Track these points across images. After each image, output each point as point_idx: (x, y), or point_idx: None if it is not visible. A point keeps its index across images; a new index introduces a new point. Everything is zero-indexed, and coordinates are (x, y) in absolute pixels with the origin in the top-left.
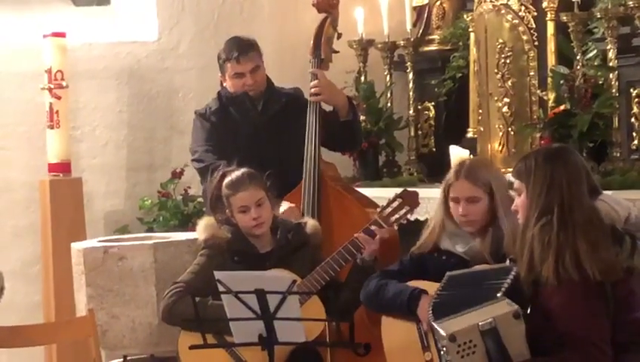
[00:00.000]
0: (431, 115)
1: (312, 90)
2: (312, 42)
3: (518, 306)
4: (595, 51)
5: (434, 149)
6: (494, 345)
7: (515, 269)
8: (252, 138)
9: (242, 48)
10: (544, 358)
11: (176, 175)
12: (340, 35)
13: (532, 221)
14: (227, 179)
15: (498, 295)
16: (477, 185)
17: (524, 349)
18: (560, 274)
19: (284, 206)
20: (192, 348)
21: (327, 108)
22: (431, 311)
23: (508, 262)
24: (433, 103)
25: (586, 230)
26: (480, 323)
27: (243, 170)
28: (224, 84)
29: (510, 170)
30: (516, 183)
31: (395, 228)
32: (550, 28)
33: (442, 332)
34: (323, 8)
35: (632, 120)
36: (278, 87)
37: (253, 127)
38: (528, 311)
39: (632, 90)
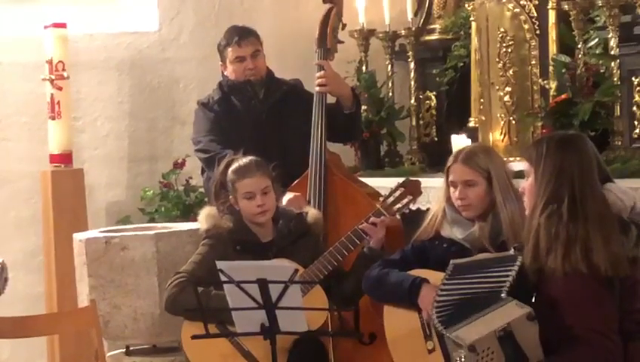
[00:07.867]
0: (432, 105)
1: (319, 81)
2: (317, 33)
3: (531, 308)
4: (596, 40)
5: (435, 139)
6: (512, 350)
7: (520, 258)
8: (255, 127)
9: (242, 33)
10: (557, 357)
11: (178, 165)
12: (344, 26)
13: (539, 208)
14: (234, 165)
15: (503, 295)
16: (473, 169)
17: (538, 350)
18: (568, 266)
19: (289, 196)
20: (194, 337)
21: (331, 99)
22: (436, 318)
23: (512, 250)
24: (435, 93)
25: (599, 223)
26: (497, 330)
27: (251, 157)
28: (225, 73)
29: (512, 159)
30: (525, 166)
31: (398, 217)
32: (551, 16)
33: (460, 343)
34: None
35: (634, 108)
36: (278, 77)
37: (256, 115)
38: (533, 299)
39: (633, 78)
